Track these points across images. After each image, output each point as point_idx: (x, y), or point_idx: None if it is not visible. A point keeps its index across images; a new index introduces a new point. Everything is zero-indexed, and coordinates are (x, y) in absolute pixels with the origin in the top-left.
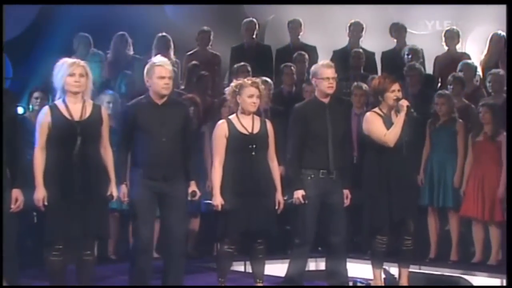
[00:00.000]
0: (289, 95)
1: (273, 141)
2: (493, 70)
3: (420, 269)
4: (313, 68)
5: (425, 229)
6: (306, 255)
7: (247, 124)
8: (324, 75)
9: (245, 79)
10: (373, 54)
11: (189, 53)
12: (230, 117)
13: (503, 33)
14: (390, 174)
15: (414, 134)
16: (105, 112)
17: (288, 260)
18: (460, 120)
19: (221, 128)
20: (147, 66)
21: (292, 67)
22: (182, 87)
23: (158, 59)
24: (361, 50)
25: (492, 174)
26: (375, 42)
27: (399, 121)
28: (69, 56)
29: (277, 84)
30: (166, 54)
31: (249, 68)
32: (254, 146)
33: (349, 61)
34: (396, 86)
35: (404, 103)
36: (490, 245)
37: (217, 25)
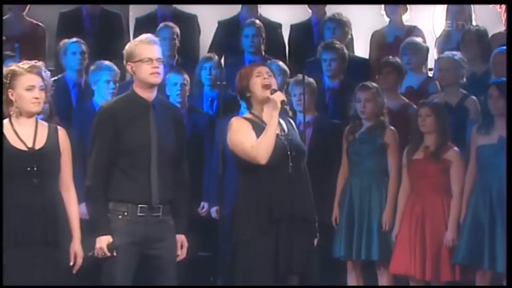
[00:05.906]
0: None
1: (69, 161)
2: (445, 53)
3: None
4: (126, 47)
5: None
6: None
7: (26, 134)
8: (144, 55)
9: (20, 64)
10: (279, 26)
11: None
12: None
13: None
14: (272, 207)
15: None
16: None
17: None
18: (391, 128)
19: None
20: None
21: None
22: None
23: None
24: (257, 21)
25: (436, 210)
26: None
27: (270, 125)
28: None
29: None
30: None
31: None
32: (35, 168)
33: (239, 37)
34: (262, 69)
35: (278, 97)
36: None
37: None
